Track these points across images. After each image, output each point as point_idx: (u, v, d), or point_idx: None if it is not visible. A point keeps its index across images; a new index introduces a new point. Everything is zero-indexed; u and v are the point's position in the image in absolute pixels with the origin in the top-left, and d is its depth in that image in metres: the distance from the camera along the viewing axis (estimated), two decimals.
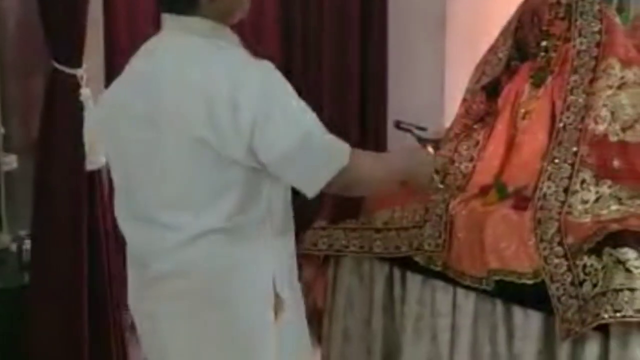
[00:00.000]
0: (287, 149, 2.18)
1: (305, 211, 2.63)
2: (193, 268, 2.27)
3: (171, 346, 2.34)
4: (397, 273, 3.24)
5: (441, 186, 2.84)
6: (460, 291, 3.04)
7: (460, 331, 3.05)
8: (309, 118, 2.24)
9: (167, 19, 2.33)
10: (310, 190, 2.25)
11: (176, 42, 2.29)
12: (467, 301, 3.03)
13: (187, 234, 2.24)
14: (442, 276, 3.07)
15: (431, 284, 3.12)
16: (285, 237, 2.41)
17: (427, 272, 3.11)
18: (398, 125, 3.62)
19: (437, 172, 2.78)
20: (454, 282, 3.05)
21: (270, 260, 2.32)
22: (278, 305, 2.32)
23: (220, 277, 2.27)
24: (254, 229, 2.29)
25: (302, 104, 2.25)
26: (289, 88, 2.24)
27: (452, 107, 4.63)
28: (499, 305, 2.96)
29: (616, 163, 2.97)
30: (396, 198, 3.18)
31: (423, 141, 3.51)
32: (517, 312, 2.91)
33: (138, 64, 2.34)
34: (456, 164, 3.23)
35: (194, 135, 2.18)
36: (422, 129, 3.56)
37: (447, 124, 4.41)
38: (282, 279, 2.35)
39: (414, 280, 3.16)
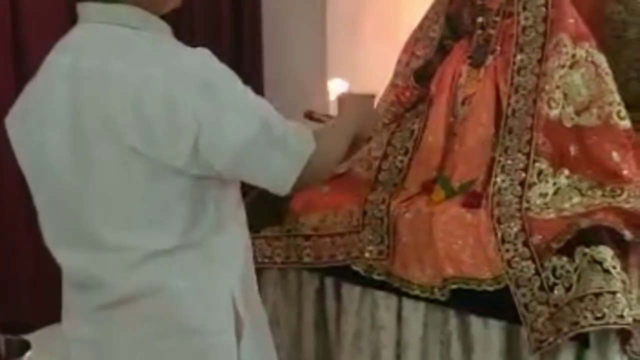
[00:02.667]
0: (242, 146, 1.94)
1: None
2: (146, 292, 2.04)
3: None
4: (329, 284, 2.97)
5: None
6: (407, 302, 2.79)
7: (407, 346, 2.80)
8: (262, 106, 2.00)
9: (88, 8, 2.04)
10: (282, 188, 2.03)
11: (100, 35, 2.01)
12: (415, 313, 2.78)
13: (135, 255, 2.01)
14: (384, 286, 2.80)
15: (371, 294, 2.86)
16: (241, 248, 2.18)
17: (367, 282, 2.83)
18: (310, 116, 3.33)
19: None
20: (399, 292, 2.79)
21: (228, 277, 2.10)
22: (240, 326, 2.11)
23: (176, 301, 2.05)
24: (207, 244, 2.05)
25: (250, 91, 2.00)
26: (233, 76, 1.99)
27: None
28: (453, 316, 2.72)
29: (573, 150, 2.76)
30: (326, 201, 2.91)
31: None
32: (475, 323, 2.69)
33: (56, 63, 2.04)
34: (390, 158, 2.97)
35: (124, 145, 1.92)
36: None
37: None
38: (241, 296, 2.13)
39: (351, 292, 2.90)
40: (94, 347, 2.15)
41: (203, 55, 1.97)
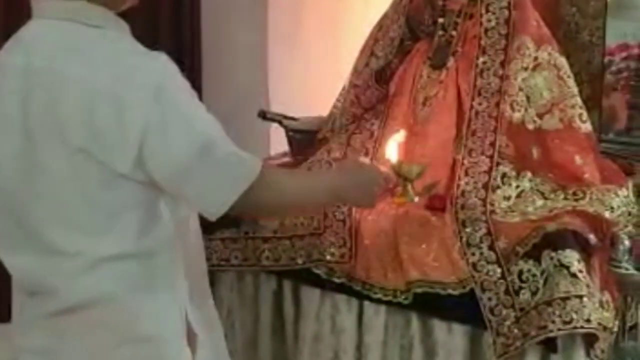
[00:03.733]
0: (183, 161, 1.91)
1: None
2: (97, 300, 2.01)
3: None
4: (287, 287, 2.92)
5: (416, 199, 2.53)
6: (368, 305, 2.77)
7: (367, 351, 2.78)
8: (211, 124, 1.96)
9: (43, 3, 2.00)
10: (213, 212, 1.99)
11: (55, 32, 1.97)
12: (377, 316, 2.76)
13: (85, 261, 1.98)
14: (345, 289, 2.78)
15: (331, 298, 2.83)
16: (195, 259, 2.18)
17: (326, 285, 2.81)
18: (264, 115, 3.30)
19: (408, 180, 2.47)
20: (360, 296, 2.76)
21: (180, 287, 2.08)
22: (193, 339, 2.09)
23: (127, 309, 2.02)
24: (160, 253, 2.02)
25: (202, 107, 1.97)
26: (187, 86, 1.96)
27: (277, 87, 4.42)
28: (415, 320, 2.71)
29: (535, 153, 2.78)
30: None
31: (294, 132, 3.22)
32: (438, 327, 2.68)
33: (9, 64, 1.99)
34: None
35: (73, 146, 1.89)
36: (292, 119, 3.26)
37: (275, 105, 4.19)
38: (193, 308, 2.12)
39: (310, 295, 2.86)
40: (44, 355, 2.10)
41: (161, 62, 1.94)
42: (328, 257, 2.77)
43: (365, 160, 2.52)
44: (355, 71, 3.11)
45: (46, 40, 1.96)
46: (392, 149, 2.50)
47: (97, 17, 1.97)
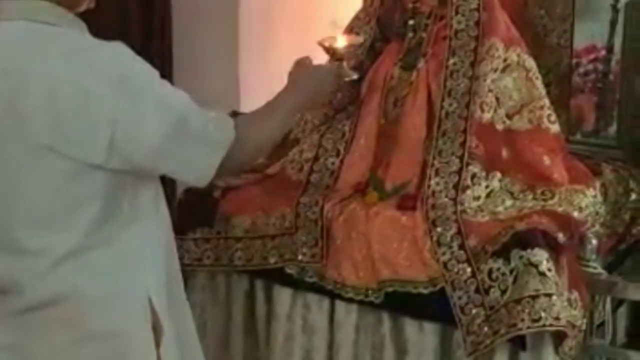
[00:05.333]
0: (160, 140, 1.99)
1: None
2: (61, 297, 2.04)
3: None
4: (259, 287, 2.97)
5: (355, 76, 2.65)
6: (340, 304, 2.82)
7: (339, 350, 2.84)
8: (180, 99, 2.05)
9: (4, 4, 2.04)
10: (200, 180, 2.11)
11: (17, 32, 2.02)
12: (348, 316, 2.81)
13: (50, 258, 2.02)
14: (317, 288, 2.83)
15: (303, 297, 2.88)
16: (159, 249, 2.18)
17: (299, 285, 2.86)
18: (235, 116, 3.31)
19: (337, 54, 2.57)
20: (332, 295, 2.82)
21: (143, 277, 2.11)
22: (158, 332, 2.11)
23: (89, 305, 2.05)
24: (125, 240, 2.07)
25: (167, 85, 2.05)
26: (149, 67, 2.03)
27: (249, 87, 4.44)
28: (386, 319, 2.77)
29: (505, 153, 2.84)
30: (257, 202, 2.92)
31: None
32: (409, 325, 2.74)
33: None
34: (321, 160, 2.98)
35: (39, 145, 1.94)
36: None
37: (247, 106, 4.20)
38: (160, 300, 2.13)
39: (282, 294, 2.91)
40: (11, 351, 2.12)
41: (119, 50, 2.00)
42: (300, 257, 2.81)
43: (314, 65, 2.54)
44: None
45: (7, 40, 2.00)
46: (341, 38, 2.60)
47: (55, 16, 2.02)
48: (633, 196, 3.08)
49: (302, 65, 2.45)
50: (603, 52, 3.28)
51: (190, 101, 2.06)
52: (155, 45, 4.61)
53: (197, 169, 2.07)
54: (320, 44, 2.58)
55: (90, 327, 2.06)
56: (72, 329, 2.06)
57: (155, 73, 2.03)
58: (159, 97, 2.00)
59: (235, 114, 3.32)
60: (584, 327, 2.61)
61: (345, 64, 2.57)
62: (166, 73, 4.68)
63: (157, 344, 2.11)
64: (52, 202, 1.99)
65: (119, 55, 1.99)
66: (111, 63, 1.96)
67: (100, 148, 1.94)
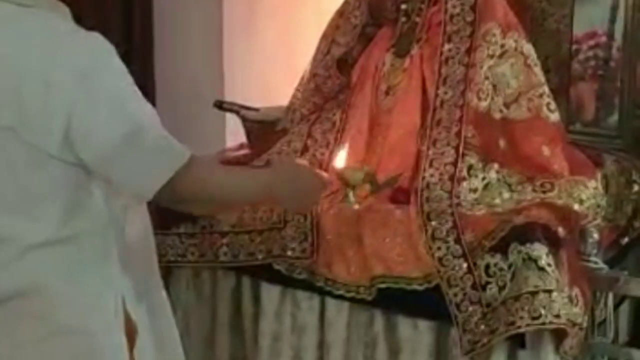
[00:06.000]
0: (110, 143, 1.94)
1: None
2: (26, 290, 2.01)
3: None
4: (246, 284, 2.93)
5: (356, 206, 2.50)
6: (331, 302, 2.78)
7: (329, 348, 2.80)
8: (143, 109, 2.00)
9: None
10: (143, 192, 2.02)
11: None
12: (339, 313, 2.77)
13: (14, 248, 1.99)
14: (307, 285, 2.79)
15: (292, 294, 2.84)
16: (136, 246, 2.16)
17: (287, 281, 2.81)
18: (220, 105, 3.29)
19: (351, 186, 2.46)
20: (322, 292, 2.77)
21: (117, 275, 2.08)
22: (131, 329, 2.09)
23: (57, 300, 2.02)
24: (95, 237, 2.04)
25: (137, 91, 1.99)
26: (122, 68, 1.98)
27: (234, 75, 4.39)
28: (379, 317, 2.72)
29: (502, 144, 2.79)
30: None
31: (251, 123, 3.20)
32: (403, 323, 2.70)
33: None
34: (311, 151, 2.94)
35: (0, 125, 1.92)
36: (250, 109, 3.25)
37: (232, 94, 4.16)
38: (134, 296, 2.12)
39: (270, 292, 2.87)
40: None
41: (93, 42, 1.95)
42: (289, 253, 2.77)
43: (304, 162, 2.45)
44: (316, 59, 3.11)
45: None
46: (342, 156, 2.49)
47: None
48: (636, 188, 3.04)
49: (295, 162, 2.37)
50: (604, 38, 3.24)
51: (154, 115, 2.01)
52: (136, 31, 4.56)
53: (138, 184, 2.00)
54: (338, 175, 2.45)
55: (58, 323, 2.03)
56: (36, 324, 2.03)
57: (126, 76, 1.99)
58: (120, 101, 1.96)
59: (220, 103, 3.30)
60: (585, 324, 2.54)
61: (351, 193, 2.47)
62: (146, 59, 4.66)
63: (131, 346, 2.08)
64: (16, 189, 1.97)
65: (90, 47, 1.95)
66: (80, 54, 1.93)
67: (55, 138, 1.92)
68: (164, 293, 2.29)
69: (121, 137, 1.94)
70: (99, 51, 1.95)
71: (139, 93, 2.00)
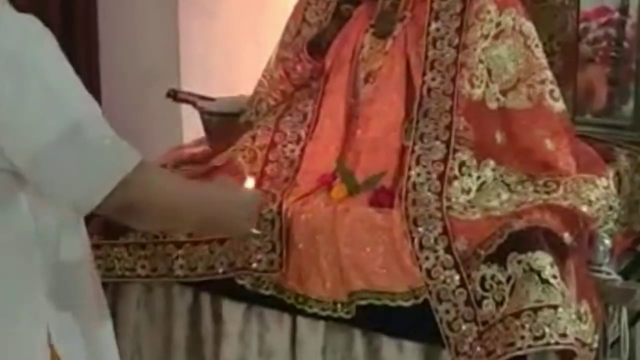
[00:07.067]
0: (44, 141, 1.88)
1: None
2: None
3: None
4: (206, 301, 2.96)
5: (256, 232, 2.47)
6: (303, 321, 2.80)
7: None
8: (84, 102, 1.94)
9: None
10: (82, 204, 1.95)
11: None
12: (313, 334, 2.80)
13: None
14: (275, 302, 2.80)
15: (259, 313, 2.87)
16: (75, 268, 2.10)
17: (253, 298, 2.84)
18: (175, 95, 3.31)
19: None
20: (293, 310, 2.79)
21: (44, 303, 2.02)
22: None
23: None
24: (13, 255, 1.99)
25: (77, 81, 1.94)
26: (58, 54, 1.93)
27: (190, 62, 4.41)
28: (359, 337, 2.75)
29: (499, 137, 2.83)
30: None
31: (211, 116, 3.21)
32: (387, 345, 2.73)
33: None
34: (279, 147, 2.97)
35: None
36: (209, 99, 3.27)
37: (188, 84, 4.18)
38: (66, 331, 2.06)
39: (233, 310, 2.90)
40: None
41: (22, 23, 1.91)
42: (254, 265, 2.79)
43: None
44: (284, 42, 3.15)
45: None
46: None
47: None
48: None
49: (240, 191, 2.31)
50: (616, 15, 3.28)
51: (96, 109, 1.96)
52: (77, 6, 4.57)
53: (80, 189, 1.93)
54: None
55: None
56: None
57: (63, 62, 1.94)
58: (56, 92, 1.91)
59: (174, 93, 3.31)
60: (595, 344, 2.57)
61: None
62: (89, 41, 4.66)
63: None
64: None
65: (23, 32, 1.91)
66: (10, 39, 1.88)
67: None
68: (109, 325, 2.24)
69: (56, 134, 1.88)
70: (31, 33, 1.91)
71: (79, 83, 1.95)
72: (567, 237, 2.59)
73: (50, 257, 2.06)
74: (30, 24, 1.91)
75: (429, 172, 2.73)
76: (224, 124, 3.19)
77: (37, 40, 1.91)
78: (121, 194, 1.93)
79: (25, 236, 2.01)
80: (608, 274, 2.68)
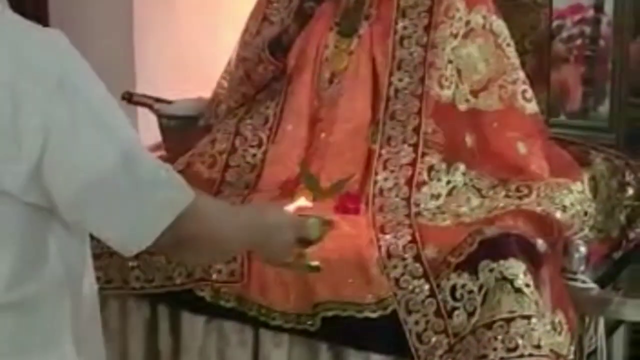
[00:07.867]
0: (97, 177, 1.78)
1: None
2: None
3: None
4: (163, 314, 2.95)
5: (315, 264, 2.41)
6: (266, 334, 2.80)
7: None
8: (129, 128, 1.85)
9: None
10: (132, 246, 1.86)
11: None
12: (277, 348, 2.80)
13: None
14: (237, 315, 2.80)
15: (219, 327, 2.86)
16: (91, 307, 2.06)
17: (213, 311, 2.83)
18: (130, 98, 3.30)
19: (307, 242, 2.44)
20: (256, 323, 2.79)
21: (71, 352, 1.95)
22: None
23: None
24: (46, 304, 1.89)
25: (112, 100, 1.85)
26: (94, 76, 1.82)
27: (146, 63, 4.40)
28: (325, 351, 2.75)
29: (469, 140, 2.85)
30: None
31: (167, 119, 3.22)
32: (354, 358, 2.73)
33: None
34: (239, 152, 2.98)
35: None
36: (165, 102, 3.28)
37: (143, 86, 4.18)
38: None
39: (193, 323, 2.89)
40: None
41: (59, 40, 1.79)
42: (214, 276, 2.79)
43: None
44: (244, 41, 3.15)
45: None
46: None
47: None
48: (630, 191, 3.08)
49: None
50: (591, 12, 3.30)
51: (137, 135, 1.89)
52: (27, 6, 4.55)
53: (134, 229, 1.83)
54: None
55: None
56: None
57: (99, 81, 1.82)
58: (104, 118, 1.80)
59: (129, 96, 3.31)
60: (571, 356, 2.59)
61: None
62: None
63: None
64: None
65: (60, 52, 1.77)
66: (51, 60, 1.76)
67: (21, 168, 1.74)
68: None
69: (107, 169, 1.78)
70: (68, 54, 1.80)
71: (116, 103, 1.86)
72: (540, 244, 2.61)
73: (75, 297, 1.96)
74: (63, 37, 1.81)
75: (396, 177, 2.76)
76: (182, 127, 3.20)
77: (78, 62, 1.80)
78: (171, 232, 1.85)
79: (56, 282, 1.90)
80: (584, 282, 2.70)
